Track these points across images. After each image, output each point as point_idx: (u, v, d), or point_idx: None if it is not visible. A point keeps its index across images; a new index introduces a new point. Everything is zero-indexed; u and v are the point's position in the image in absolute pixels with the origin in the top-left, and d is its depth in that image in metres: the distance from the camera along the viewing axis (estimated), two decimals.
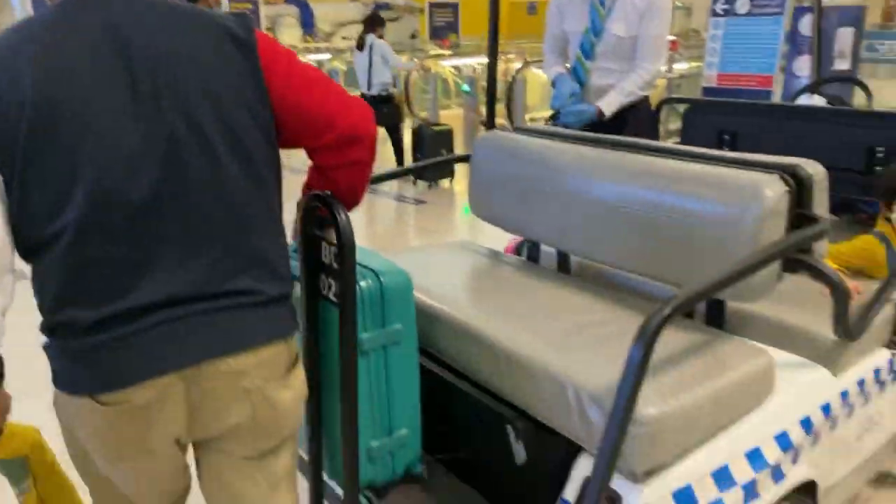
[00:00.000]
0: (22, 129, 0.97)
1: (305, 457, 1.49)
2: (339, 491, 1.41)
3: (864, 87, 2.75)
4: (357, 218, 1.28)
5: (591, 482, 1.09)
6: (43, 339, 1.08)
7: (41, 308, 1.06)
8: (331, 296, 1.29)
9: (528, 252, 2.06)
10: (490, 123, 2.16)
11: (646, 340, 1.03)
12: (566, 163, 1.75)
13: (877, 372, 1.67)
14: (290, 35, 13.02)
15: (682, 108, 2.91)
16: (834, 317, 1.47)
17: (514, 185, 1.89)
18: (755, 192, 1.35)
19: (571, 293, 1.67)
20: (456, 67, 9.58)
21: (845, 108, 2.28)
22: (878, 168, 2.10)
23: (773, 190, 1.34)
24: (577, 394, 1.23)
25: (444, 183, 6.28)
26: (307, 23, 13.40)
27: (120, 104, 0.99)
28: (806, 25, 6.33)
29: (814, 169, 1.40)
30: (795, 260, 1.42)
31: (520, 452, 1.39)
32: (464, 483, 1.57)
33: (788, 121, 2.28)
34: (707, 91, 6.78)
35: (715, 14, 6.59)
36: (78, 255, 1.01)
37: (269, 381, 1.12)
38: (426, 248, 2.07)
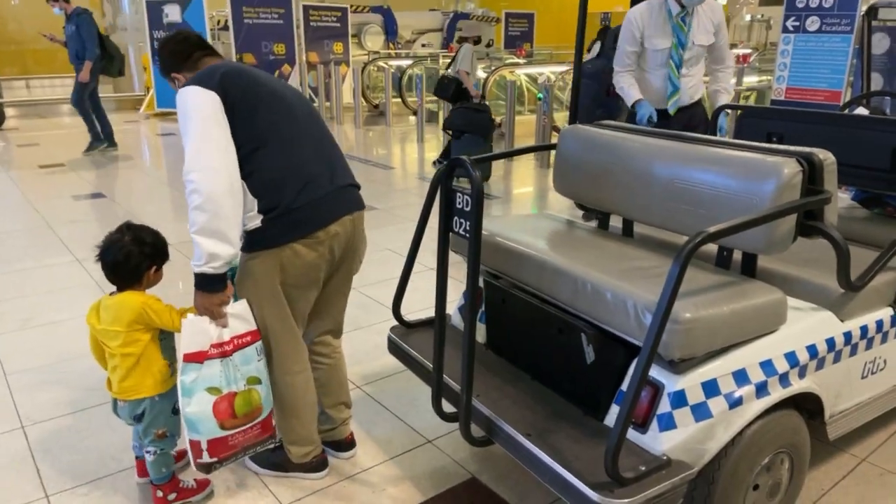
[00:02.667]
0: (259, 98, 1.90)
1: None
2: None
3: None
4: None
5: (637, 361, 1.57)
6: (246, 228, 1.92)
7: (264, 197, 1.88)
8: (461, 231, 1.83)
9: (599, 222, 2.55)
10: (572, 119, 2.67)
11: (682, 260, 1.52)
12: (631, 150, 2.24)
13: (879, 323, 2.09)
14: (373, 41, 13.80)
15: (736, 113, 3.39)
16: (837, 272, 1.91)
17: (589, 168, 2.39)
18: (776, 170, 1.81)
19: (634, 248, 2.17)
20: (529, 76, 10.09)
21: (874, 116, 2.66)
22: None
23: (790, 168, 1.80)
24: (635, 305, 1.73)
25: None
26: (390, 30, 14.15)
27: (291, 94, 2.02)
28: (878, 44, 6.53)
29: (825, 156, 1.85)
30: (811, 226, 1.88)
31: (590, 354, 1.90)
32: (539, 382, 2.08)
33: (826, 125, 2.69)
34: (774, 103, 7.07)
35: (785, 30, 6.85)
36: (292, 153, 1.94)
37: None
38: (521, 215, 2.60)
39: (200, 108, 1.79)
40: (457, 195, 1.83)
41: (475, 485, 2.24)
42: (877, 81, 6.48)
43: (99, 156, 7.96)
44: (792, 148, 1.90)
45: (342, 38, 12.44)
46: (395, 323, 2.48)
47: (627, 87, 3.56)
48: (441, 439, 2.48)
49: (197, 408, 1.85)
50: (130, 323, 1.90)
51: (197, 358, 1.85)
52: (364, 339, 3.23)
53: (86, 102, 7.83)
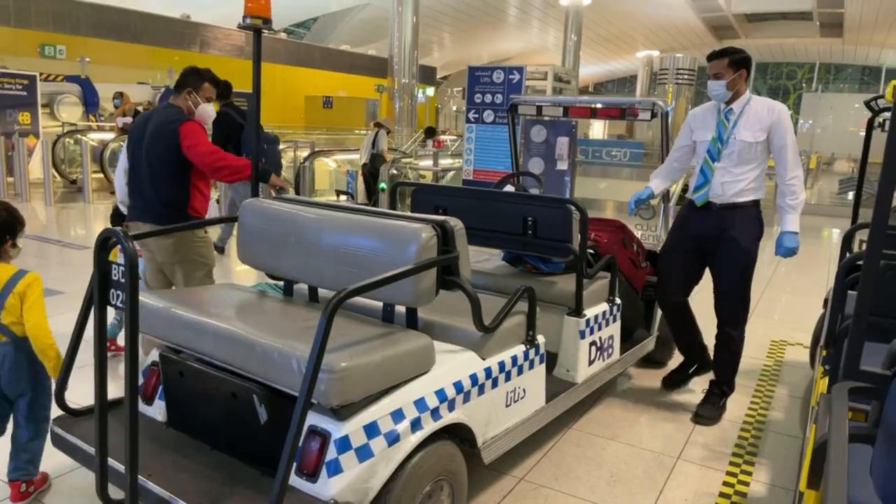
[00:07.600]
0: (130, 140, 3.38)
1: None
2: None
3: (538, 179, 3.88)
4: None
5: (295, 408, 1.68)
6: None
7: None
8: (118, 303, 1.79)
9: (284, 289, 2.68)
10: (254, 193, 2.80)
11: (328, 314, 1.70)
12: (304, 221, 2.43)
13: (514, 358, 2.53)
14: (69, 112, 12.61)
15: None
16: (472, 317, 2.29)
17: (270, 239, 2.52)
18: (417, 235, 2.13)
19: (309, 310, 2.32)
20: None
21: (510, 192, 3.29)
22: (529, 232, 3.09)
23: (427, 233, 2.14)
24: (298, 362, 1.86)
25: None
26: (90, 101, 13.07)
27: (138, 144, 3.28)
28: (537, 134, 7.96)
29: (455, 223, 2.23)
30: (450, 280, 2.23)
31: (263, 414, 1.96)
32: (220, 451, 2.08)
33: (477, 200, 3.23)
34: (466, 182, 8.14)
35: (468, 121, 7.98)
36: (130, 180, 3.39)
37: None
38: (203, 287, 2.60)
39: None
40: (113, 267, 1.80)
41: None
42: (539, 164, 7.88)
43: None
44: (431, 217, 2.26)
45: (30, 108, 11.23)
46: (60, 413, 2.27)
47: (652, 177, 3.62)
48: None
49: None
50: None
51: None
52: None
53: None
